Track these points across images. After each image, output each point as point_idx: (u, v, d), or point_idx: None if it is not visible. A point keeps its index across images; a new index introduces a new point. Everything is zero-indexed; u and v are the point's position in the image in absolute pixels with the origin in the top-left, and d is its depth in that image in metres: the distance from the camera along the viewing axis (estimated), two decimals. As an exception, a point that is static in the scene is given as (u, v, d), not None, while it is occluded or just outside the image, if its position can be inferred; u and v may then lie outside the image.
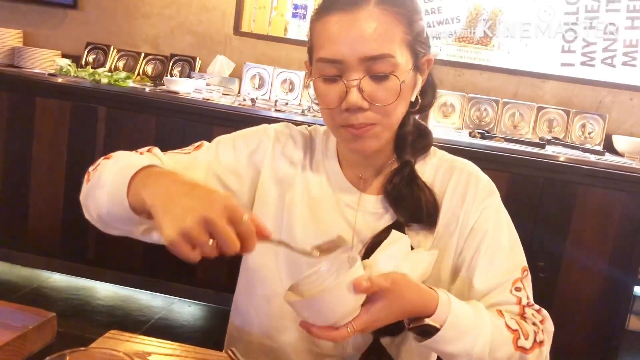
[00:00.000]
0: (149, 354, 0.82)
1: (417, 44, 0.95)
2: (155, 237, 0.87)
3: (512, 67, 2.98)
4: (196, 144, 1.06)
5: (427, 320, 0.84)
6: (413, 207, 0.99)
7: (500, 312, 0.92)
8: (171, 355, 0.85)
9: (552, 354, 2.71)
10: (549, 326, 0.96)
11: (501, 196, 1.04)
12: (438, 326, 0.84)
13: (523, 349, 0.90)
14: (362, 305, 0.78)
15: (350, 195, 1.03)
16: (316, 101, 0.98)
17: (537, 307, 0.97)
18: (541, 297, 2.49)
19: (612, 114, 2.91)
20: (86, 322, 2.59)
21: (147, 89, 2.81)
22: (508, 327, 0.90)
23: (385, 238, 0.94)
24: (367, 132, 0.93)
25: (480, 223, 1.00)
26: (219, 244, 0.69)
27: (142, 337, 0.88)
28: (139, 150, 0.99)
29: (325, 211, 1.03)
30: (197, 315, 2.83)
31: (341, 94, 0.91)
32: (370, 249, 0.96)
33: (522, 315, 0.94)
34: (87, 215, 0.92)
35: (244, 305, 1.09)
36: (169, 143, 2.64)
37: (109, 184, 0.82)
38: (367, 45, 0.89)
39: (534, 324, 0.94)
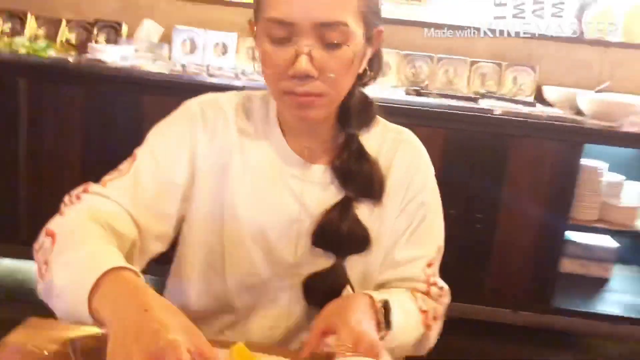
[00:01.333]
0: (71, 340, 0.78)
1: (370, 14, 0.92)
2: None
3: (446, 22, 2.98)
4: (130, 159, 0.98)
5: None
6: (363, 183, 0.99)
7: (414, 294, 1.00)
8: (93, 337, 0.80)
9: (494, 300, 2.80)
10: (447, 300, 1.05)
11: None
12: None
13: (428, 327, 0.99)
14: None
15: (296, 166, 1.00)
16: (259, 63, 0.93)
17: (440, 284, 1.04)
18: (479, 247, 2.60)
19: (542, 65, 2.97)
20: (24, 305, 2.50)
21: (71, 59, 2.66)
22: (420, 309, 0.98)
23: (335, 215, 0.97)
24: (312, 103, 0.91)
25: (419, 198, 1.03)
26: None
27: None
28: (73, 192, 0.93)
29: (269, 183, 1.00)
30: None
31: (289, 59, 0.87)
32: (321, 227, 0.97)
33: (428, 293, 1.02)
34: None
35: (179, 282, 1.06)
36: (98, 115, 2.54)
37: (64, 300, 0.75)
38: (322, 10, 0.85)
39: (435, 300, 1.02)
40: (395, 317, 0.92)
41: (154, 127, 1.02)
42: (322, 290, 0.99)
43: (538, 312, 2.65)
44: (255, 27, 0.93)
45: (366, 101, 1.03)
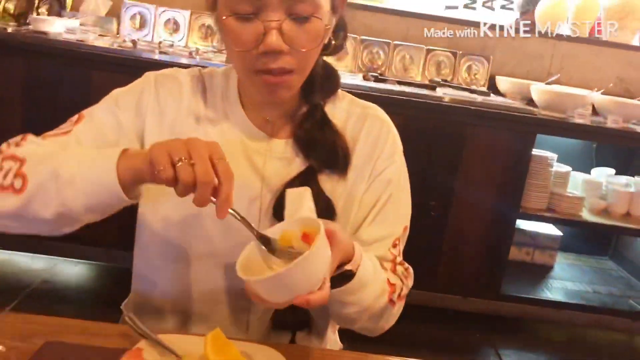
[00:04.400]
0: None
1: None
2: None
3: (402, 9, 2.97)
4: (74, 118, 0.94)
5: (347, 266, 0.82)
6: (326, 151, 0.95)
7: (382, 265, 0.95)
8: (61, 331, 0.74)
9: (446, 287, 2.80)
10: (411, 282, 1.01)
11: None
12: (354, 272, 0.83)
13: (392, 302, 0.94)
14: None
15: (258, 140, 0.96)
16: (219, 41, 0.89)
17: (406, 265, 1.00)
18: (433, 234, 2.61)
19: (495, 56, 3.00)
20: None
21: (10, 29, 2.49)
22: (389, 281, 0.93)
23: (296, 185, 0.91)
24: (283, 82, 0.87)
25: (386, 174, 0.99)
26: (196, 169, 0.72)
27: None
28: (12, 140, 0.88)
29: (230, 162, 0.94)
30: (85, 275, 2.66)
31: (257, 35, 0.82)
32: (281, 199, 0.91)
33: (394, 272, 0.98)
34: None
35: (144, 268, 1.00)
36: (41, 89, 2.39)
37: (80, 179, 0.78)
38: None
39: (401, 279, 0.97)
40: (363, 269, 0.86)
41: (110, 93, 0.97)
42: None
43: (487, 298, 2.70)
44: (215, 3, 0.88)
45: (330, 70, 1.00)
